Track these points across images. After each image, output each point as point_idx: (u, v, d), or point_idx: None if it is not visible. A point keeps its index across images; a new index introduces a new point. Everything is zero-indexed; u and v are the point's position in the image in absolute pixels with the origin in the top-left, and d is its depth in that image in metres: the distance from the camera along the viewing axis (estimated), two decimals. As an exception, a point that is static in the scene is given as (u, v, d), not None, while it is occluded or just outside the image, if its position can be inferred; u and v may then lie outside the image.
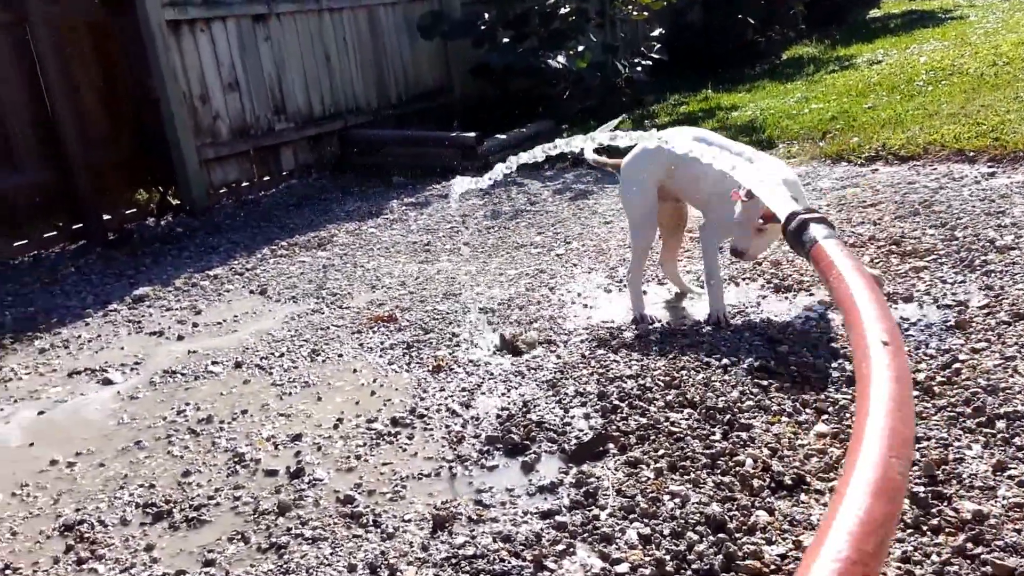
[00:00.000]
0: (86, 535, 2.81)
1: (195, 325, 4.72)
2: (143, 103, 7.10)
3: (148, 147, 7.16)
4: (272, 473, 3.09)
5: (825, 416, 3.00)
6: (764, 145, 7.26)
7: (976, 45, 10.58)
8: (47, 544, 2.81)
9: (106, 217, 6.82)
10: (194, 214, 7.15)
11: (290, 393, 3.75)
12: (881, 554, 0.88)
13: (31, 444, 3.54)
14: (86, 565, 2.67)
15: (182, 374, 4.07)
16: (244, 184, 7.82)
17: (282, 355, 4.16)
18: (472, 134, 8.16)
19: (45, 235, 6.48)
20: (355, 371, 3.91)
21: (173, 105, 7.06)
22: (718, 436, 2.95)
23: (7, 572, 2.68)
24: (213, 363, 4.14)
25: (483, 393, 3.53)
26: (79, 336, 4.71)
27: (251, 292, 5.21)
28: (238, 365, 4.10)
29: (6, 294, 5.53)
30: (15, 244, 6.30)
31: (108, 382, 4.08)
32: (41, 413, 3.83)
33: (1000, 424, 2.77)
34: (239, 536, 2.72)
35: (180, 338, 4.57)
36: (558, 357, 3.79)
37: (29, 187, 6.38)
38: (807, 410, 3.06)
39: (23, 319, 5.05)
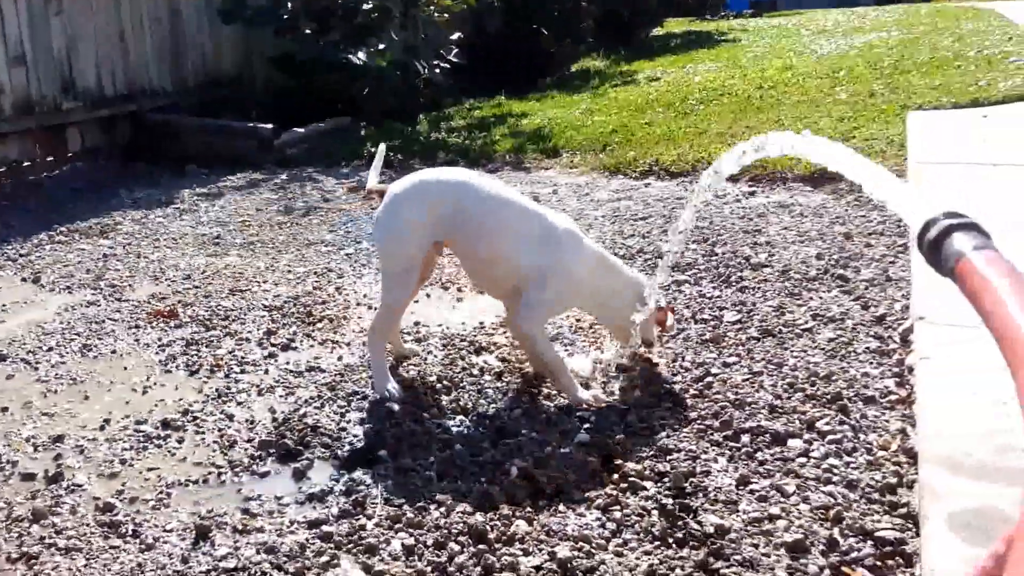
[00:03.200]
0: None
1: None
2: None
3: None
4: (29, 477, 2.84)
5: (587, 425, 3.03)
6: (550, 153, 7.37)
7: (745, 68, 11.14)
8: None
9: None
10: (-33, 193, 6.56)
11: (56, 391, 3.47)
12: None
13: None
14: None
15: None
16: (25, 164, 7.23)
17: (51, 349, 3.85)
18: (269, 126, 7.89)
19: None
20: (127, 368, 3.66)
21: (-52, 77, 6.45)
22: (487, 444, 2.93)
23: None
24: (-24, 356, 3.79)
25: (260, 395, 3.39)
26: None
27: (23, 280, 4.80)
28: (2, 358, 3.76)
29: None
30: None
31: None
32: None
33: (744, 438, 2.85)
34: (-14, 546, 2.48)
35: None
36: (339, 359, 3.69)
37: None
38: (573, 418, 3.08)
39: None
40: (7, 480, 2.84)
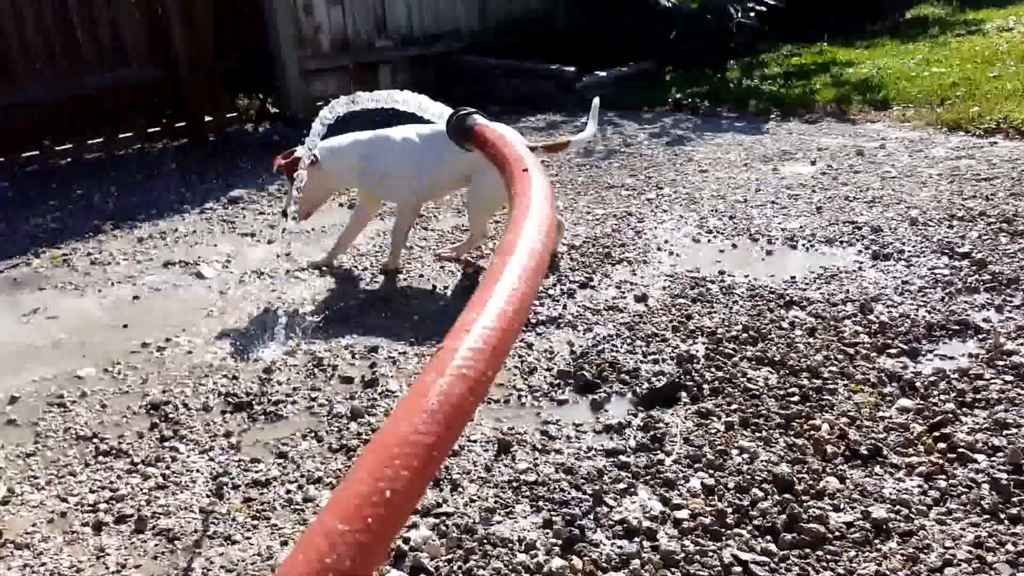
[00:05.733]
0: (170, 416, 3.00)
1: (284, 230, 4.83)
2: (249, 10, 7.21)
3: (250, 54, 7.28)
4: (348, 380, 3.21)
5: (910, 391, 2.95)
6: (879, 105, 7.07)
7: (1118, 21, 10.10)
8: (133, 420, 3.00)
9: (207, 119, 7.10)
10: (292, 123, 7.27)
11: (369, 308, 3.86)
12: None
13: (125, 326, 3.78)
14: (168, 443, 2.84)
15: (271, 276, 4.24)
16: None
17: (365, 269, 4.29)
18: (572, 68, 8.08)
19: (149, 129, 6.88)
20: (433, 290, 4.00)
21: (279, 14, 7.15)
22: (796, 398, 2.93)
23: (95, 440, 2.86)
24: (300, 269, 4.32)
25: (559, 328, 3.56)
26: (176, 229, 5.01)
27: (340, 205, 5.32)
28: (323, 273, 4.27)
29: (111, 183, 5.90)
30: (120, 136, 6.70)
31: (200, 276, 4.31)
32: (136, 298, 4.09)
33: (1095, 416, 2.70)
34: (312, 434, 2.86)
35: (270, 242, 4.76)
36: (637, 301, 3.79)
37: (137, 82, 6.68)
38: (893, 383, 3.01)
39: (125, 208, 5.41)
40: (328, 380, 3.22)
